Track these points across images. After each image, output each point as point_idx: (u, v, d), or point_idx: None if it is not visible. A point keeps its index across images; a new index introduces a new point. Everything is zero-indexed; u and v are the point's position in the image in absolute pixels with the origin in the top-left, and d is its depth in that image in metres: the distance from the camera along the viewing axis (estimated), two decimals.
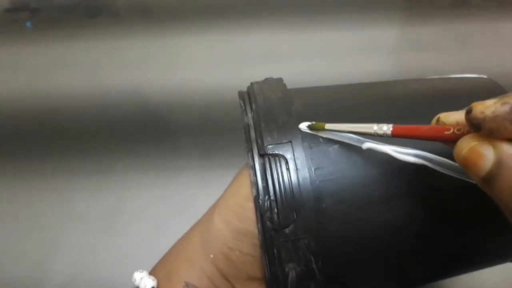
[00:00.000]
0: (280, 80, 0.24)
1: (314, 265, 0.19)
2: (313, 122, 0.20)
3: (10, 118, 0.48)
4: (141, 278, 0.22)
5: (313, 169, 0.19)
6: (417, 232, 0.20)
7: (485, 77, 0.25)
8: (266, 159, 0.19)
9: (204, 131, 0.44)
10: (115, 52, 0.53)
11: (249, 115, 0.21)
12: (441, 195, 0.20)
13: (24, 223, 0.39)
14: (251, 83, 0.24)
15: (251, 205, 0.20)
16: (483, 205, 0.18)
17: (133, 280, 0.23)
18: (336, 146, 0.20)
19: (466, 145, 0.15)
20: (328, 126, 0.19)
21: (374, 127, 0.18)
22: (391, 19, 0.55)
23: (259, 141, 0.20)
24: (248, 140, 0.20)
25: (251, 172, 0.20)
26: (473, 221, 0.20)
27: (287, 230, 0.19)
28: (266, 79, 0.24)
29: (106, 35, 0.55)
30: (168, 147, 0.43)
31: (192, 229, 0.24)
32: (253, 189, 0.19)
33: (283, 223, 0.19)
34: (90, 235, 0.38)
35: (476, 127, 0.15)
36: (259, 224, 0.19)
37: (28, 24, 0.58)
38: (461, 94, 0.23)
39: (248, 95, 0.23)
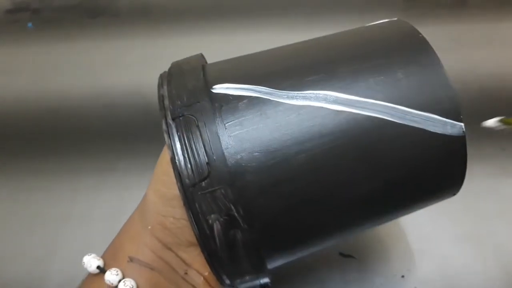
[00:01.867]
0: (198, 55, 0.26)
1: (235, 214, 0.20)
2: (503, 117, 0.20)
3: (10, 118, 0.48)
4: (88, 260, 0.23)
5: (224, 124, 0.20)
6: (338, 169, 0.21)
7: (395, 19, 0.26)
8: (178, 121, 0.20)
9: None
10: (116, 52, 0.53)
11: (164, 87, 0.22)
12: (357, 133, 0.20)
13: (24, 223, 0.39)
14: (173, 62, 0.25)
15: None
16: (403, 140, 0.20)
17: (83, 264, 0.23)
18: (245, 101, 0.21)
19: None
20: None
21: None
22: (391, 19, 0.55)
23: (170, 106, 0.21)
24: (162, 108, 0.21)
25: (165, 136, 0.21)
26: (395, 160, 0.21)
27: (203, 184, 0.20)
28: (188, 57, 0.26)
29: (107, 35, 0.56)
30: None
31: (137, 208, 0.25)
32: (169, 151, 0.20)
33: (198, 178, 0.19)
34: (90, 235, 0.38)
35: None
36: (178, 183, 0.20)
37: (29, 24, 0.58)
38: (378, 39, 0.24)
39: (167, 72, 0.24)
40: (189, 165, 0.20)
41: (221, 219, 0.20)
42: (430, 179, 0.23)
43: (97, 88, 0.49)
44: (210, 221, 0.20)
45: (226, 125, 0.20)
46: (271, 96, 0.21)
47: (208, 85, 0.22)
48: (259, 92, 0.21)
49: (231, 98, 0.21)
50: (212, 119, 0.20)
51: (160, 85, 0.23)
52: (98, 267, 0.23)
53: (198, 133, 0.20)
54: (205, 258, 0.21)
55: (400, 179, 0.22)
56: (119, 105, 0.48)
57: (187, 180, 0.20)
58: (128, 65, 0.52)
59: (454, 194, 0.24)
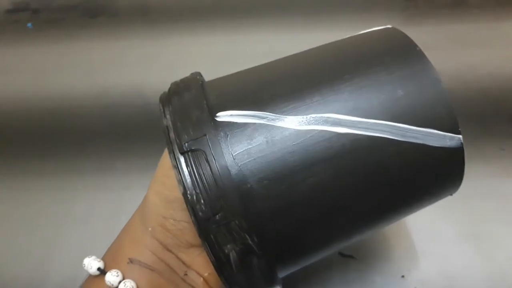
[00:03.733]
0: (195, 75, 0.25)
1: (250, 242, 0.20)
2: None
3: (10, 118, 0.48)
4: (89, 262, 0.23)
5: (232, 155, 0.20)
6: (344, 189, 0.21)
7: (390, 26, 0.26)
8: (186, 157, 0.21)
9: None
10: (115, 52, 0.53)
11: (167, 117, 0.22)
12: (363, 153, 0.21)
13: (24, 223, 0.39)
14: (170, 84, 0.25)
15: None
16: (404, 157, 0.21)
17: (83, 265, 0.23)
18: (250, 129, 0.21)
19: None
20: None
21: None
22: (391, 19, 0.55)
23: (177, 140, 0.21)
24: (168, 142, 0.21)
25: (175, 171, 0.21)
26: (401, 172, 0.22)
27: (217, 217, 0.20)
28: (183, 78, 0.25)
29: (106, 35, 0.56)
30: None
31: (137, 209, 0.26)
32: (180, 186, 0.21)
33: (211, 212, 0.20)
34: (90, 235, 0.38)
35: None
36: (193, 217, 0.20)
37: (29, 24, 0.58)
38: (372, 49, 0.24)
39: (166, 97, 0.24)
40: (201, 200, 0.20)
41: (237, 248, 0.20)
42: (432, 187, 0.23)
43: (97, 88, 0.49)
44: (226, 251, 0.20)
45: (234, 155, 0.20)
46: (275, 122, 0.21)
47: (212, 114, 0.21)
48: (264, 118, 0.21)
49: (236, 126, 0.21)
50: (220, 152, 0.20)
51: (162, 113, 0.23)
52: (98, 269, 0.23)
53: (208, 167, 0.20)
54: (222, 282, 0.22)
55: (404, 191, 0.23)
56: (119, 105, 0.48)
57: (200, 214, 0.20)
58: (128, 65, 0.52)
59: (451, 194, 0.25)
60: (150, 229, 0.23)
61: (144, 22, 0.57)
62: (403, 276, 0.34)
